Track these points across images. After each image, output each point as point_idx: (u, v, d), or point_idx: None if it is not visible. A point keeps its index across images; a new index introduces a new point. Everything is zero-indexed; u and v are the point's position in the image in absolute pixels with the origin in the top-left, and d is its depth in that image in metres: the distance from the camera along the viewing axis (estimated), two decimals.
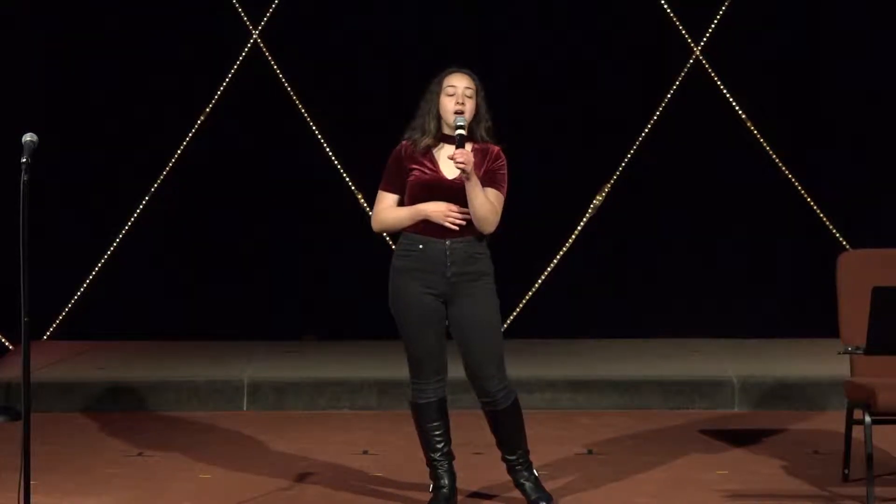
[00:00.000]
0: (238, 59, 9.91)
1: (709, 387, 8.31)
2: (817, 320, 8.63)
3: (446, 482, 5.85)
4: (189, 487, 6.34)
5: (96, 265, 9.85)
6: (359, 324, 9.58)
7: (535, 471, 5.90)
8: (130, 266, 9.81)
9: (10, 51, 9.68)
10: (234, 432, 7.63)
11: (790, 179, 9.91)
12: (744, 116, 9.90)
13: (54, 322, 9.83)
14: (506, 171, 5.81)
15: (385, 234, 9.01)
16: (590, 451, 7.10)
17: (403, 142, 5.84)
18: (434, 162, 5.77)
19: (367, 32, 9.90)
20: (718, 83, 9.91)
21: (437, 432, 5.86)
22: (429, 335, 5.77)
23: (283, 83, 9.91)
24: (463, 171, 5.61)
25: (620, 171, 9.92)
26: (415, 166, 5.76)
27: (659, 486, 6.31)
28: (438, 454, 5.87)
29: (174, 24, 9.84)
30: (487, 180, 5.71)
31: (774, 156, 9.90)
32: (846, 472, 6.31)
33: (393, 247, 9.20)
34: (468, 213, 5.70)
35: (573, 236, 9.94)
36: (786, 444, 7.23)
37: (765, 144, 9.90)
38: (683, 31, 9.92)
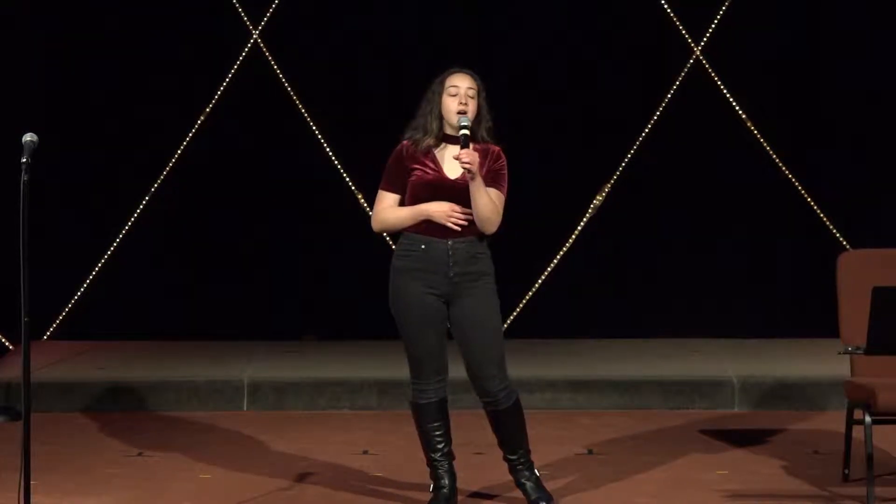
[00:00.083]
0: (238, 59, 9.91)
1: (709, 387, 8.31)
2: (817, 320, 8.63)
3: (447, 482, 5.85)
4: (189, 487, 6.34)
5: (96, 265, 9.86)
6: (359, 324, 9.58)
7: (536, 471, 5.90)
8: (130, 266, 9.81)
9: (10, 51, 9.68)
10: (234, 432, 7.63)
11: (790, 179, 9.91)
12: (744, 116, 9.91)
13: (54, 322, 9.83)
14: (506, 171, 5.81)
15: (385, 234, 9.01)
16: (590, 451, 7.10)
17: (404, 141, 5.83)
18: (436, 162, 5.77)
19: (367, 32, 9.90)
20: (718, 83, 9.92)
21: (438, 433, 5.86)
22: (430, 335, 5.77)
23: (283, 83, 9.91)
24: (468, 171, 5.61)
25: (620, 171, 9.92)
26: (416, 166, 5.75)
27: (659, 486, 6.31)
28: (439, 454, 5.87)
29: (174, 24, 9.84)
30: (489, 180, 5.71)
31: (774, 156, 9.90)
32: (846, 472, 6.32)
33: (393, 247, 9.23)
34: (470, 214, 5.70)
35: (573, 236, 9.94)
36: (786, 444, 7.23)
37: (765, 144, 9.90)
38: (683, 31, 9.92)
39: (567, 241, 9.95)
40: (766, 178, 9.88)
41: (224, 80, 9.89)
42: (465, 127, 5.67)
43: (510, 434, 5.85)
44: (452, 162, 5.73)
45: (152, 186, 9.86)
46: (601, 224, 9.93)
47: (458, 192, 5.70)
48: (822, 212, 9.91)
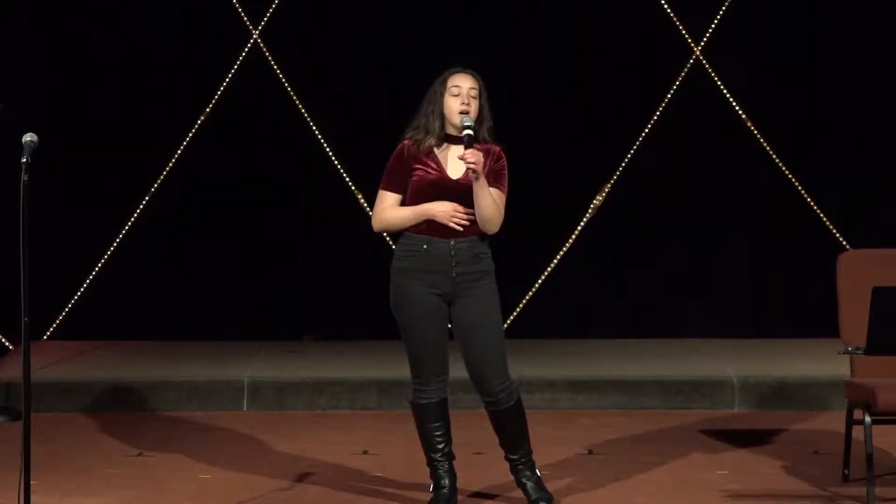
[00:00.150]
0: (238, 59, 9.91)
1: (709, 387, 8.31)
2: (817, 320, 8.64)
3: (447, 482, 5.85)
4: (189, 487, 6.34)
5: (96, 265, 9.85)
6: (359, 324, 9.58)
7: (537, 471, 5.90)
8: (130, 266, 9.81)
9: (10, 51, 9.68)
10: (234, 432, 7.63)
11: (790, 179, 9.91)
12: (744, 116, 9.90)
13: (54, 322, 9.83)
14: (507, 171, 5.81)
15: (385, 235, 9.00)
16: (590, 452, 7.10)
17: (405, 141, 5.83)
18: (437, 162, 5.77)
19: (368, 32, 9.89)
20: (718, 83, 9.91)
21: (438, 433, 5.86)
22: (431, 335, 5.76)
23: (283, 83, 9.91)
24: (473, 171, 5.61)
25: (620, 171, 9.92)
26: (418, 166, 5.75)
27: (659, 486, 6.31)
28: (439, 454, 5.87)
29: (174, 24, 9.84)
30: (490, 180, 5.71)
31: (774, 156, 9.90)
32: (846, 472, 6.32)
33: (393, 247, 9.22)
34: (472, 214, 5.70)
35: (573, 236, 9.94)
36: (786, 444, 7.23)
37: (765, 144, 9.90)
38: (683, 31, 9.92)
39: (567, 241, 9.95)
40: (766, 178, 9.88)
41: (224, 80, 9.89)
42: (468, 127, 5.67)
43: (511, 434, 5.85)
44: (454, 162, 5.74)
45: (152, 186, 9.86)
46: (601, 224, 9.93)
47: (460, 192, 5.70)
48: (822, 212, 9.91)
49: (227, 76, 9.90)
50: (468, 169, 5.62)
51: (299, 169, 9.90)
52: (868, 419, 5.85)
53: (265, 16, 9.91)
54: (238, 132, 9.87)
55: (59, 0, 9.81)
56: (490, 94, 5.84)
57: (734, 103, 9.91)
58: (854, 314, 6.09)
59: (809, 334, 9.24)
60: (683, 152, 9.85)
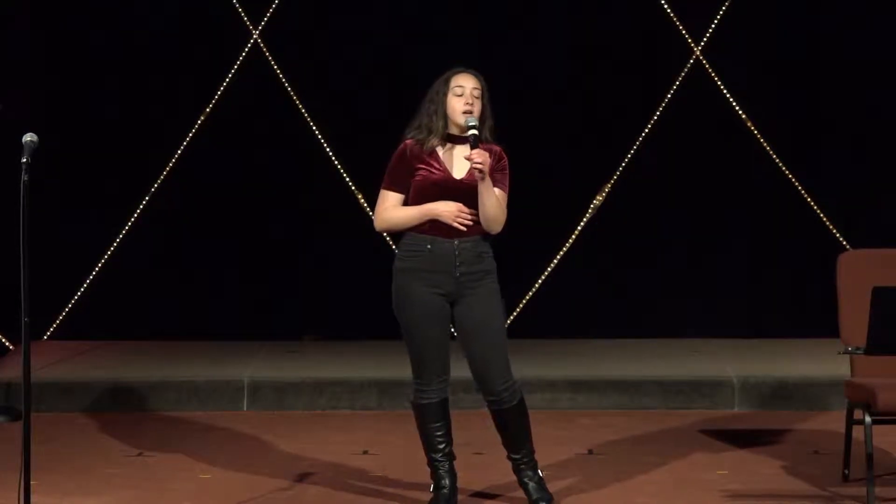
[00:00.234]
0: (238, 59, 9.91)
1: (709, 387, 8.31)
2: (817, 320, 8.63)
3: (447, 482, 5.85)
4: (189, 487, 6.34)
5: (96, 265, 9.85)
6: (359, 324, 9.58)
7: (539, 471, 5.89)
8: (130, 266, 9.81)
9: (10, 51, 9.68)
10: (234, 432, 7.63)
11: (790, 179, 9.91)
12: (744, 116, 9.90)
13: (54, 322, 9.83)
14: (508, 171, 5.81)
15: (385, 234, 9.01)
16: (590, 452, 7.10)
17: (407, 141, 5.82)
18: (440, 162, 5.76)
19: (368, 32, 9.90)
20: (718, 83, 9.92)
21: (439, 433, 5.86)
22: (434, 336, 5.76)
23: (283, 83, 9.91)
24: (479, 171, 5.60)
25: (620, 171, 9.92)
26: (422, 166, 5.74)
27: (659, 486, 6.31)
28: (440, 454, 5.87)
29: (174, 24, 9.84)
30: (493, 180, 5.71)
31: (774, 156, 9.90)
32: (846, 472, 6.32)
33: (393, 247, 9.21)
34: (475, 214, 5.70)
35: (573, 236, 9.94)
36: (786, 444, 7.23)
37: (765, 144, 9.90)
38: (683, 31, 9.92)
39: (567, 241, 9.95)
40: (766, 178, 9.88)
41: (224, 80, 9.89)
42: (473, 127, 5.67)
43: (514, 433, 5.85)
44: (457, 161, 5.74)
45: (152, 186, 9.86)
46: (601, 224, 9.93)
47: (463, 192, 5.70)
48: (822, 212, 9.91)
49: (227, 76, 9.90)
50: (474, 169, 5.62)
51: (299, 169, 9.90)
52: (868, 419, 5.85)
53: (265, 16, 9.91)
54: (238, 132, 9.87)
55: (59, 0, 9.81)
56: (490, 94, 5.84)
57: (734, 103, 9.91)
58: (854, 314, 6.09)
59: (809, 334, 9.24)
60: (683, 152, 9.85)
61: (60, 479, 6.44)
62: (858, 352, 5.75)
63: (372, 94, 9.80)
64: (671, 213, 9.91)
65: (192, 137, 9.88)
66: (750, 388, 8.28)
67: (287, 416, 8.14)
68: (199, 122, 9.88)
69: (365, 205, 9.72)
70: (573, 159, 9.84)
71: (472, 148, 5.63)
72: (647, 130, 9.91)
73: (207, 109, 9.88)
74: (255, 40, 9.92)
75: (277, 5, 9.88)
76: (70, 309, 9.85)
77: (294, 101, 9.90)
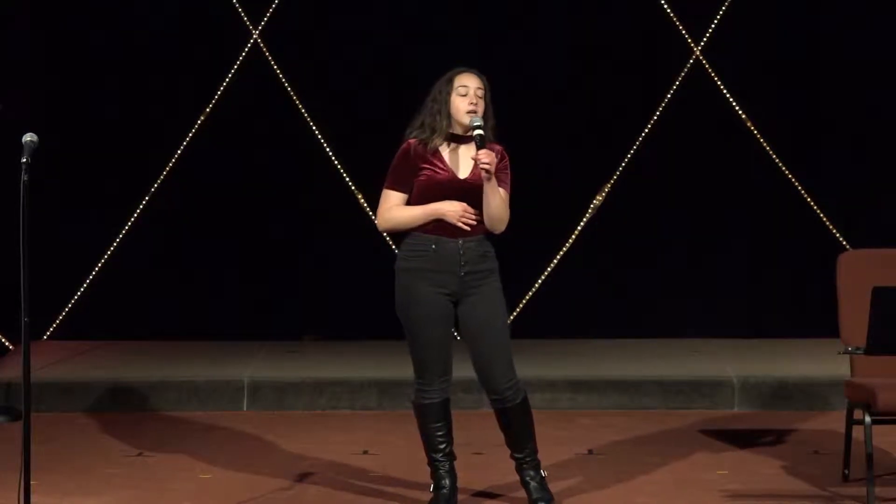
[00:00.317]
0: (238, 59, 9.91)
1: (709, 387, 8.31)
2: (817, 320, 8.63)
3: (447, 483, 5.85)
4: (189, 487, 6.34)
5: (96, 265, 9.85)
6: (359, 324, 9.58)
7: (542, 471, 5.88)
8: (130, 266, 9.80)
9: (10, 51, 9.68)
10: (234, 432, 7.63)
11: (790, 179, 9.91)
12: (744, 116, 9.90)
13: (54, 322, 9.83)
14: (509, 170, 5.81)
15: (385, 234, 9.01)
16: (590, 452, 7.09)
17: (410, 140, 5.81)
18: (444, 161, 5.76)
19: (367, 32, 9.89)
20: (718, 83, 9.91)
21: (440, 433, 5.85)
22: (438, 336, 5.76)
23: (283, 83, 9.91)
24: (486, 171, 5.60)
25: (620, 171, 9.92)
26: (426, 166, 5.73)
27: (659, 486, 6.31)
28: (440, 455, 5.87)
29: (174, 24, 9.84)
30: (497, 180, 5.71)
31: (774, 156, 9.90)
32: (846, 472, 6.32)
33: (393, 247, 9.21)
34: (479, 213, 5.70)
35: (573, 236, 9.94)
36: (786, 444, 7.23)
37: (765, 144, 9.90)
38: (683, 31, 9.92)
39: (567, 241, 9.95)
40: (766, 178, 9.88)
41: (224, 80, 9.89)
42: (478, 127, 5.66)
43: (517, 432, 5.84)
44: (462, 161, 5.74)
45: (152, 186, 9.86)
46: (601, 224, 9.93)
47: (467, 192, 5.70)
48: (822, 212, 9.91)
49: (227, 76, 9.90)
50: (482, 170, 5.61)
51: (299, 169, 9.90)
52: (868, 419, 5.85)
53: (265, 16, 9.91)
54: (238, 132, 9.87)
55: (59, 0, 9.81)
56: (491, 93, 5.84)
57: (734, 103, 9.91)
58: (854, 314, 6.09)
59: (809, 334, 9.24)
60: (683, 152, 9.85)
61: (60, 479, 6.44)
62: (858, 352, 5.75)
63: (372, 94, 9.80)
64: (671, 213, 9.91)
65: (192, 137, 9.88)
66: (750, 388, 8.28)
67: (287, 416, 8.14)
68: (199, 122, 9.88)
69: (365, 205, 9.72)
70: (573, 159, 9.84)
71: (479, 148, 5.62)
72: (647, 130, 9.91)
73: (207, 109, 9.88)
74: (255, 40, 9.92)
75: (277, 5, 9.88)
76: (70, 309, 9.85)
77: (294, 101, 9.90)
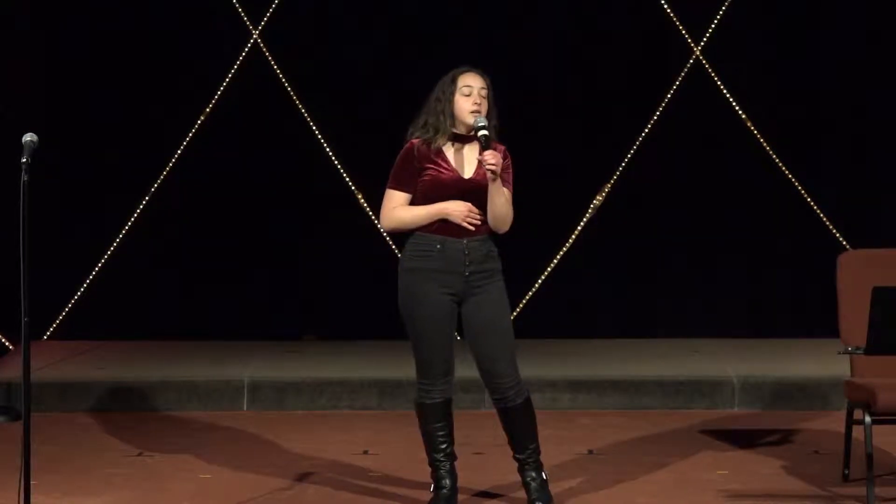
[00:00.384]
0: (238, 59, 9.91)
1: (709, 387, 8.31)
2: (817, 320, 8.64)
3: (447, 483, 5.85)
4: (189, 487, 6.34)
5: (96, 265, 9.85)
6: (359, 324, 9.58)
7: (543, 472, 5.87)
8: (130, 266, 9.80)
9: (10, 51, 9.68)
10: (235, 432, 7.63)
11: (790, 179, 9.91)
12: (744, 116, 9.90)
13: (54, 322, 9.83)
14: (511, 170, 5.81)
15: (386, 235, 9.01)
16: (590, 452, 7.09)
17: (414, 140, 5.80)
18: (448, 161, 5.75)
19: (367, 32, 9.89)
20: (718, 83, 9.92)
21: (442, 433, 5.85)
22: (441, 336, 5.75)
23: (283, 83, 9.90)
24: (492, 171, 5.60)
25: (620, 171, 9.92)
26: (430, 166, 5.73)
27: (659, 486, 6.31)
28: (441, 455, 5.86)
29: (174, 24, 9.84)
30: (501, 180, 5.70)
31: (774, 156, 9.90)
32: (846, 472, 6.32)
33: (394, 247, 9.22)
34: (483, 213, 5.70)
35: (573, 236, 9.94)
36: (786, 444, 7.23)
37: (765, 144, 9.90)
38: (683, 31, 9.92)
39: (567, 241, 9.95)
40: (766, 178, 9.88)
41: (224, 80, 9.89)
42: (483, 127, 5.66)
43: (519, 432, 5.84)
44: (466, 161, 5.73)
45: (152, 186, 9.86)
46: (601, 224, 9.93)
47: (471, 192, 5.69)
48: (822, 212, 9.91)
49: (227, 76, 9.90)
50: (487, 170, 5.61)
51: (299, 169, 9.90)
52: (868, 419, 5.85)
53: (265, 16, 9.91)
54: (238, 132, 9.86)
55: (59, 0, 9.81)
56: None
57: (734, 103, 9.91)
58: (854, 314, 6.09)
59: (809, 334, 9.24)
60: (683, 152, 9.85)
61: (60, 479, 6.44)
62: (858, 352, 5.74)
63: (372, 94, 9.80)
64: (671, 213, 9.91)
65: (192, 137, 9.87)
66: (750, 388, 8.28)
67: (287, 416, 8.14)
68: (199, 122, 9.88)
69: (365, 205, 9.72)
70: (573, 159, 9.84)
71: (485, 149, 5.62)
72: (647, 130, 9.91)
73: (207, 109, 9.88)
74: (255, 40, 9.92)
75: (277, 5, 9.88)
76: (70, 309, 9.85)
77: (294, 101, 9.90)
